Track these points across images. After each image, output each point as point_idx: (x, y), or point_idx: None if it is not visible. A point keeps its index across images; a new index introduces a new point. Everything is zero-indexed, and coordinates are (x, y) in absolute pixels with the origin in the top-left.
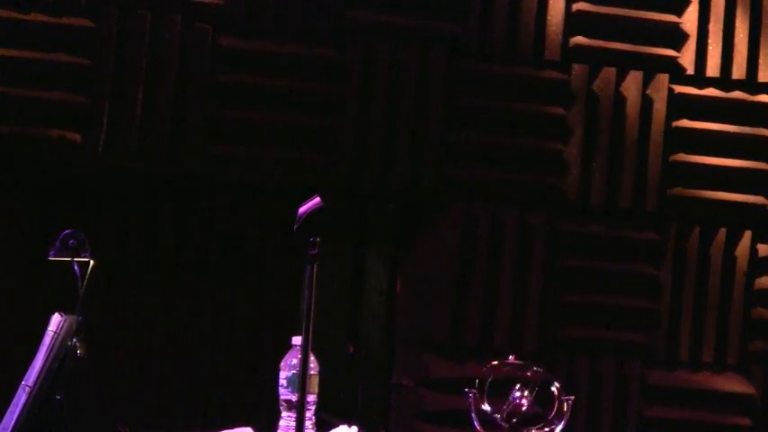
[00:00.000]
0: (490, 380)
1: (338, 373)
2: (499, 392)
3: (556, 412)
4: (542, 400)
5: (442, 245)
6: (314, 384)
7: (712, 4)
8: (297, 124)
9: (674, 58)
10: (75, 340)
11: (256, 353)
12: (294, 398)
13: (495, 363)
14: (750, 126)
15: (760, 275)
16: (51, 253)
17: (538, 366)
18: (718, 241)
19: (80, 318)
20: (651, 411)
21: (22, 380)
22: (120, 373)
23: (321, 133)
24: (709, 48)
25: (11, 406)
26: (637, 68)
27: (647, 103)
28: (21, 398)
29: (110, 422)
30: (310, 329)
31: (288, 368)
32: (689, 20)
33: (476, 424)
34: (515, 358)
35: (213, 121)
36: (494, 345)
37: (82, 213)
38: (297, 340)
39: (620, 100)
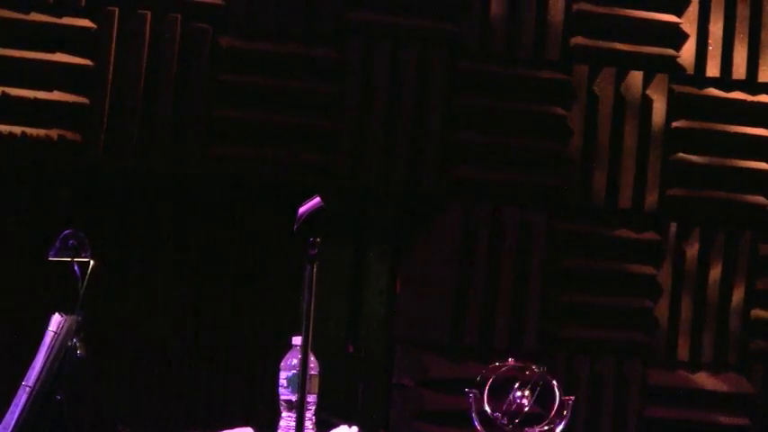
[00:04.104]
0: (491, 380)
1: (338, 373)
2: (499, 392)
3: (556, 412)
4: (542, 400)
5: (442, 245)
6: (314, 384)
7: (712, 4)
8: (297, 124)
9: (674, 58)
10: (75, 340)
11: (256, 353)
12: (294, 398)
13: (496, 365)
14: (750, 126)
15: (760, 275)
16: (51, 253)
17: (538, 365)
18: (718, 241)
19: (80, 318)
20: (651, 411)
21: (22, 380)
22: (120, 373)
23: (321, 133)
24: (710, 48)
25: (11, 406)
26: (637, 68)
27: (647, 103)
28: (21, 398)
29: (110, 422)
30: (310, 329)
31: (288, 368)
32: (689, 20)
33: (476, 424)
34: (514, 360)
35: (213, 121)
36: (494, 345)
37: (82, 213)
38: (297, 340)
39: (620, 100)
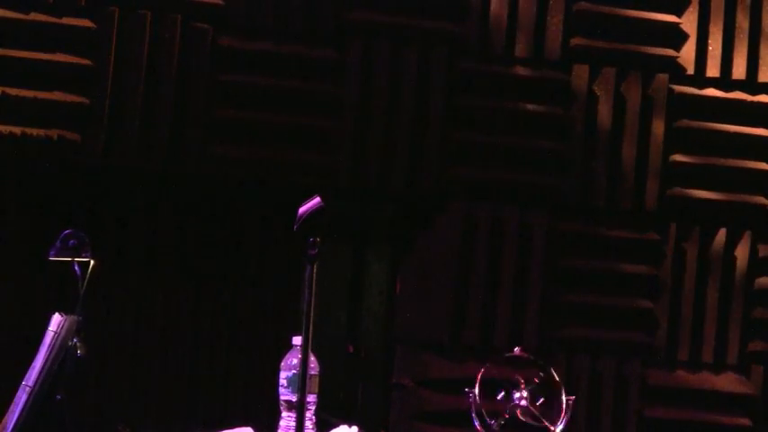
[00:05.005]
0: (492, 376)
1: (338, 373)
2: (499, 392)
3: (556, 412)
4: (542, 399)
5: (442, 245)
6: (314, 384)
7: (712, 4)
8: (297, 124)
9: (674, 58)
10: (75, 340)
11: (256, 353)
12: (294, 398)
13: (505, 355)
14: (750, 126)
15: (760, 275)
16: (52, 253)
17: (540, 361)
18: (718, 241)
19: (80, 318)
20: (651, 411)
21: (22, 380)
22: (120, 373)
23: (321, 133)
24: (710, 48)
25: (12, 406)
26: (637, 68)
27: (647, 103)
28: (21, 397)
29: (110, 422)
30: (310, 329)
31: (288, 368)
32: (689, 20)
33: (476, 424)
34: (521, 350)
35: (213, 121)
36: (494, 345)
37: (82, 213)
38: (297, 340)
39: (620, 100)
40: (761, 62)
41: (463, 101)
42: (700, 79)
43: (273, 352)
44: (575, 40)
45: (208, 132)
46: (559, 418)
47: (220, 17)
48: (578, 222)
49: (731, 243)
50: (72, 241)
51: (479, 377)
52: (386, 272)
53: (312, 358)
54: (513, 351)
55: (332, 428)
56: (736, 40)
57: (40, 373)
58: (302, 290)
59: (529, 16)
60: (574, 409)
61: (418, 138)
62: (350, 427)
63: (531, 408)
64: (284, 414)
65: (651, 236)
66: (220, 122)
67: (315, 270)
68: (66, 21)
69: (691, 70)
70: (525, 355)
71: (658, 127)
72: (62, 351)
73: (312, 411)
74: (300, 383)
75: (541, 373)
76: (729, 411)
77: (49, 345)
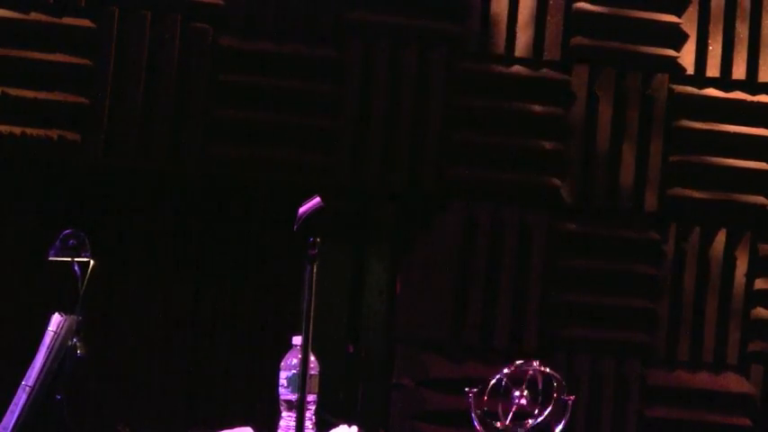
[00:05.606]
0: (496, 380)
1: (338, 373)
2: (499, 392)
3: (556, 412)
4: (542, 400)
5: (442, 245)
6: (314, 384)
7: (712, 4)
8: (297, 124)
9: (674, 58)
10: (75, 340)
11: (256, 353)
12: (294, 398)
13: (520, 362)
14: (750, 126)
15: (760, 275)
16: (51, 253)
17: (555, 374)
18: (718, 241)
19: (80, 318)
20: (651, 411)
21: (22, 380)
22: (120, 373)
23: (321, 133)
24: (710, 48)
25: (11, 405)
26: (637, 68)
27: (647, 103)
28: (21, 397)
29: (110, 422)
30: (310, 329)
31: (288, 368)
32: (689, 20)
33: (476, 424)
34: (540, 364)
35: (213, 121)
36: (494, 345)
37: (82, 213)
38: (297, 340)
39: (620, 100)
40: (761, 62)
41: (463, 101)
42: (700, 79)
43: (273, 352)
44: (575, 40)
45: (208, 132)
46: (559, 418)
47: (220, 17)
48: (578, 222)
49: (731, 243)
50: (72, 241)
51: (479, 377)
52: (386, 272)
53: (312, 358)
54: (531, 362)
55: (332, 428)
56: (736, 40)
57: (40, 373)
58: (302, 290)
59: (529, 16)
60: (574, 410)
61: (418, 138)
62: (350, 427)
63: (531, 408)
64: (284, 414)
65: (651, 236)
66: (220, 122)
67: (315, 270)
68: (66, 21)
69: (691, 70)
70: (544, 369)
71: (658, 127)
72: (62, 351)
73: (312, 411)
74: (300, 383)
75: (542, 373)
76: (729, 411)
77: (49, 345)
